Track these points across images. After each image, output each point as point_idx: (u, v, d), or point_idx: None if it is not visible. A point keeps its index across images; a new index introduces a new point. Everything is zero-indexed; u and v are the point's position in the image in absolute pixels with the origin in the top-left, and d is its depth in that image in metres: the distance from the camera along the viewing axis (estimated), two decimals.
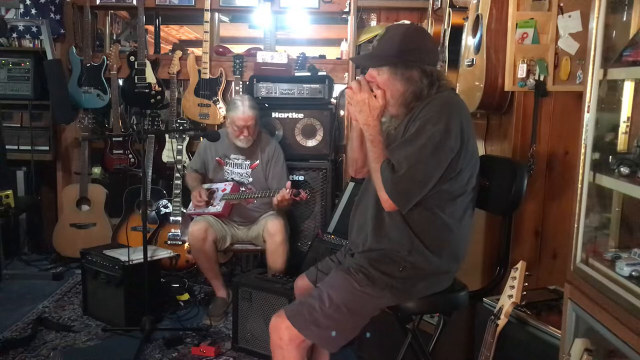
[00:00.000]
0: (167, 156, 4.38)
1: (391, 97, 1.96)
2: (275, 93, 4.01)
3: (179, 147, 4.27)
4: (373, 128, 1.95)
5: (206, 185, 3.61)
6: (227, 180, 3.61)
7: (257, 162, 3.60)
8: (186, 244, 3.90)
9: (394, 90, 1.95)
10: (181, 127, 4.25)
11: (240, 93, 4.29)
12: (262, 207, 3.58)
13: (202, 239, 3.36)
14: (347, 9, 4.42)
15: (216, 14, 4.99)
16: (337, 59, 4.76)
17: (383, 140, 1.96)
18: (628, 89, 1.58)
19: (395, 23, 2.04)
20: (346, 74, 4.43)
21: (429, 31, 3.84)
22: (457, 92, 3.10)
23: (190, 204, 3.68)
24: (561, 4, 2.44)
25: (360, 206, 2.15)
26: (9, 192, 3.75)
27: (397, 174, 1.86)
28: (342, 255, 2.26)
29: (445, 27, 3.43)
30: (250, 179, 3.60)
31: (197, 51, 4.59)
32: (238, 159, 3.62)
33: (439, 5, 3.72)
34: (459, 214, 2.00)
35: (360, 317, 1.99)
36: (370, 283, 1.95)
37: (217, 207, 3.50)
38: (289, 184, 3.29)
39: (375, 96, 1.95)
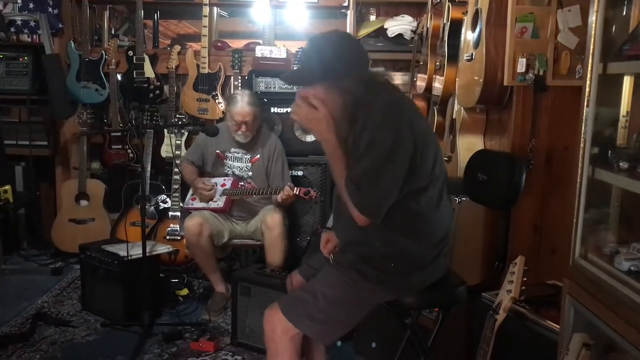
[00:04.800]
0: (165, 151, 4.38)
1: (333, 112, 1.88)
2: (274, 88, 4.00)
3: (178, 142, 4.26)
4: (329, 142, 1.90)
5: (205, 179, 3.60)
6: (227, 175, 3.60)
7: (258, 156, 3.59)
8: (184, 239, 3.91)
9: (334, 104, 1.88)
10: (180, 122, 4.24)
11: (239, 88, 4.28)
12: (262, 201, 3.58)
13: (198, 233, 3.36)
14: (346, 4, 4.41)
15: (215, 8, 4.97)
16: None
17: (342, 156, 1.91)
18: (627, 83, 1.57)
19: (318, 34, 1.99)
20: None
21: (428, 25, 3.83)
22: (458, 86, 3.12)
23: (188, 198, 3.68)
24: None
25: (339, 213, 2.12)
26: (8, 187, 3.74)
27: (361, 191, 1.83)
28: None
29: (445, 21, 3.43)
30: (250, 173, 3.59)
31: (196, 46, 4.57)
32: (238, 153, 3.61)
33: (439, 0, 3.71)
34: (434, 201, 1.96)
35: (355, 312, 1.99)
36: (364, 279, 1.94)
37: (218, 202, 3.50)
38: (291, 185, 3.31)
39: (315, 108, 1.88)
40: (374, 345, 2.81)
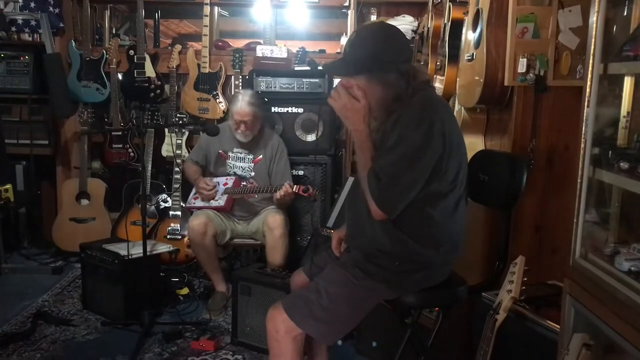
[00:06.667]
0: (166, 150, 4.38)
1: (371, 102, 1.90)
2: (275, 87, 3.99)
3: (179, 141, 4.26)
4: (362, 133, 1.92)
5: (206, 179, 3.61)
6: (229, 175, 3.61)
7: (260, 156, 3.59)
8: (186, 239, 3.91)
9: (374, 95, 1.90)
10: (181, 122, 4.24)
11: (240, 87, 4.29)
12: (263, 201, 3.59)
13: (202, 233, 3.37)
14: (347, 3, 4.41)
15: (216, 7, 4.98)
16: (337, 53, 4.75)
17: (371, 147, 1.92)
18: (628, 83, 1.58)
19: (364, 24, 1.99)
20: None
21: (429, 25, 3.83)
22: (458, 86, 3.11)
23: (190, 197, 3.68)
24: None
25: (352, 206, 2.12)
26: (9, 186, 3.75)
27: (381, 183, 1.85)
28: None
29: (446, 21, 3.43)
30: (253, 173, 3.60)
31: (197, 45, 4.58)
32: (241, 153, 3.61)
33: (439, 0, 3.71)
34: (450, 209, 1.96)
35: (358, 310, 1.99)
36: (367, 277, 1.95)
37: (220, 201, 3.50)
38: (290, 182, 3.32)
39: (355, 98, 1.90)
40: (374, 344, 2.81)
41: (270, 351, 1.99)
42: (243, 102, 3.43)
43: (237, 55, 4.35)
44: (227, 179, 3.57)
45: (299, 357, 1.97)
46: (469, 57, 2.88)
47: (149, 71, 4.34)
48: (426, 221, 1.93)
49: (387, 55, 1.88)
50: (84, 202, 4.39)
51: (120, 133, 4.44)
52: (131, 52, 4.37)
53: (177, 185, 4.11)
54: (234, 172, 3.61)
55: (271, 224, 3.37)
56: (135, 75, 4.34)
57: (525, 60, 2.55)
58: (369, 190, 1.88)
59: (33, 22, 4.38)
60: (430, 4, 3.87)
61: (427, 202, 1.91)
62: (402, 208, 1.87)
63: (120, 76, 4.43)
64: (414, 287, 2.01)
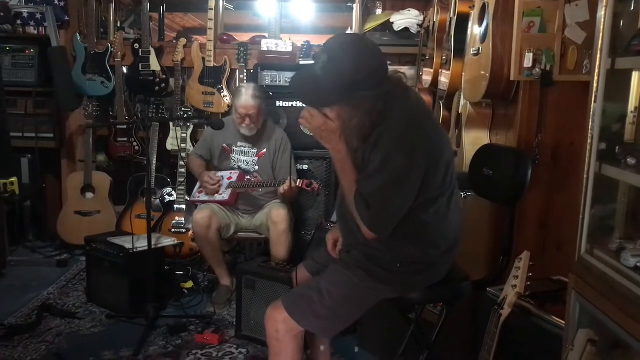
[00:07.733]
0: (171, 144, 4.39)
1: (347, 129, 1.82)
2: (280, 81, 3.99)
3: (183, 135, 4.26)
4: (340, 152, 1.87)
5: (211, 173, 3.61)
6: (233, 169, 3.61)
7: (264, 150, 3.59)
8: (190, 232, 3.92)
9: (349, 124, 1.81)
10: (185, 115, 4.24)
11: (245, 81, 4.28)
12: (267, 195, 3.59)
13: (207, 226, 3.37)
14: None
15: (221, 1, 4.96)
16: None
17: (352, 167, 1.88)
18: (636, 79, 1.56)
19: (338, 40, 1.83)
20: None
21: (434, 19, 3.82)
22: (464, 80, 3.10)
23: (195, 191, 3.68)
24: None
25: (342, 219, 2.07)
26: (14, 179, 3.75)
27: (371, 208, 1.82)
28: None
29: (452, 15, 3.41)
30: (257, 167, 3.60)
31: (202, 39, 4.57)
32: (245, 147, 3.61)
33: None
34: (443, 209, 1.93)
35: (360, 308, 1.99)
36: (370, 277, 1.93)
37: (224, 195, 3.50)
38: (294, 177, 3.32)
39: (330, 118, 1.83)
40: (356, 350, 2.85)
41: (270, 350, 1.98)
42: (247, 96, 3.43)
43: (242, 49, 4.34)
44: (231, 173, 3.57)
45: (299, 355, 1.97)
46: (475, 52, 2.87)
47: (154, 65, 4.35)
48: (421, 227, 1.90)
49: (363, 84, 1.76)
50: (89, 195, 4.40)
51: (125, 126, 4.45)
52: (136, 45, 4.37)
53: (181, 179, 4.11)
54: (238, 166, 3.62)
55: (275, 218, 3.38)
56: (140, 69, 4.35)
57: (531, 54, 2.53)
58: (358, 214, 1.85)
59: (38, 15, 4.38)
60: None
61: (419, 210, 1.87)
62: (394, 226, 1.85)
63: (125, 70, 4.44)
64: (416, 286, 2.00)
